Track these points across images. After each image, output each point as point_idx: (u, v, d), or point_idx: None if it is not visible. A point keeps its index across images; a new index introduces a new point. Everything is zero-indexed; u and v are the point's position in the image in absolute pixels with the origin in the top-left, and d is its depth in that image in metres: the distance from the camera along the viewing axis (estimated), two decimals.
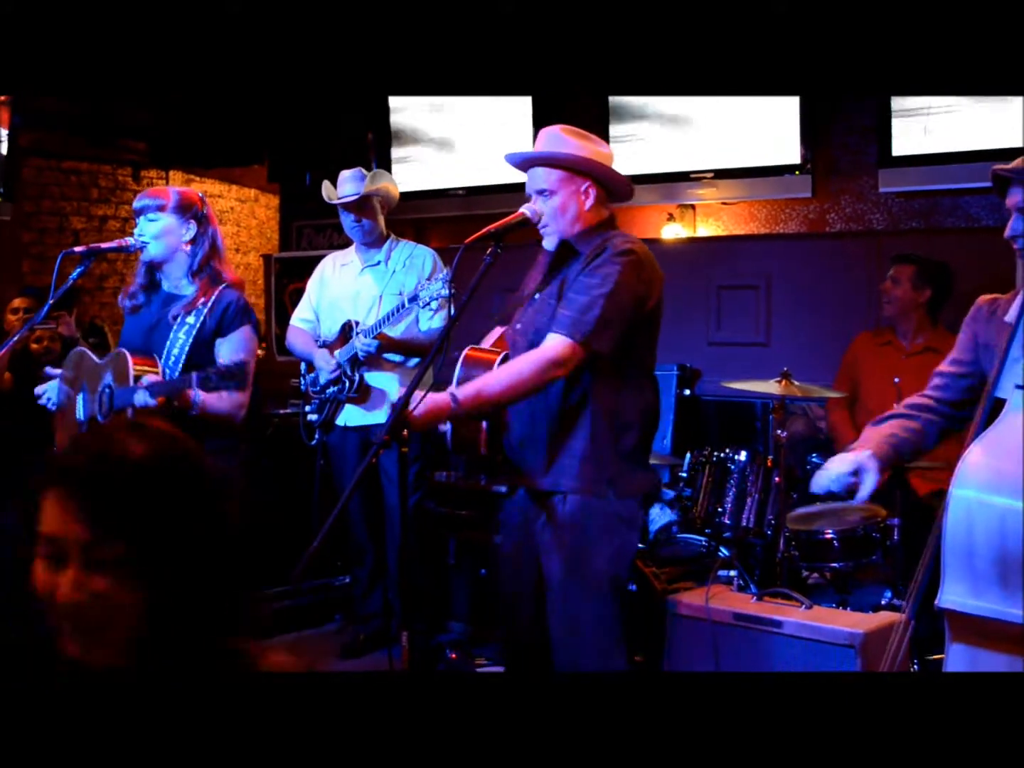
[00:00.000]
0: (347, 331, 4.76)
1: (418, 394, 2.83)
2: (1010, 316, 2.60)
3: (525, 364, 3.10)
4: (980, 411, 2.52)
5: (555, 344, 3.10)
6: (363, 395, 4.76)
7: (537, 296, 3.31)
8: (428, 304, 4.36)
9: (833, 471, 2.76)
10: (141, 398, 3.35)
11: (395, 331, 4.67)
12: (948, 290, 4.81)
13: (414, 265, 4.82)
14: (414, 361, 4.74)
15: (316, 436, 4.92)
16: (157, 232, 3.59)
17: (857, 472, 2.73)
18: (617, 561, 3.23)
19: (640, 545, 4.05)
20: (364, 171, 4.84)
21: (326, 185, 4.89)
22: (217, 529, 1.52)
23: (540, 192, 3.23)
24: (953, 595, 2.39)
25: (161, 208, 3.59)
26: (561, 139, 3.25)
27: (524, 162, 3.30)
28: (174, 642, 1.48)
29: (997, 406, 2.53)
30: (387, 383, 4.75)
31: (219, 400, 3.46)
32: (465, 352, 3.34)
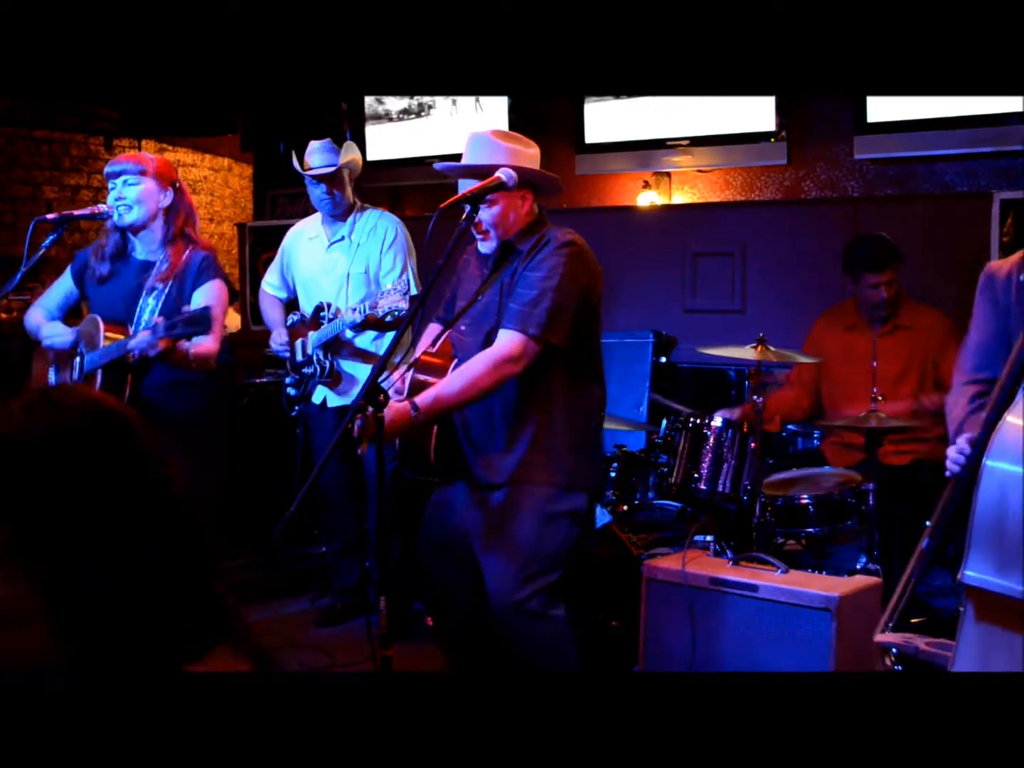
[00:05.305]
0: (318, 314, 4.69)
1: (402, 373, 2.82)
2: None
3: (480, 364, 3.12)
4: (1005, 376, 2.39)
5: (508, 340, 3.14)
6: (335, 380, 4.70)
7: (481, 298, 3.32)
8: (387, 315, 4.19)
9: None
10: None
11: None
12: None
13: (376, 236, 4.73)
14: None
15: (296, 408, 4.88)
16: (138, 196, 3.55)
17: None
18: (561, 549, 3.27)
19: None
20: (334, 143, 4.75)
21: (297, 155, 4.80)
22: (145, 513, 1.34)
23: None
24: (976, 571, 2.28)
25: (143, 172, 3.55)
26: (494, 145, 3.26)
27: (463, 172, 3.30)
28: (97, 653, 1.30)
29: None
30: (362, 372, 4.68)
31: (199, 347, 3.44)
32: (418, 356, 3.35)
